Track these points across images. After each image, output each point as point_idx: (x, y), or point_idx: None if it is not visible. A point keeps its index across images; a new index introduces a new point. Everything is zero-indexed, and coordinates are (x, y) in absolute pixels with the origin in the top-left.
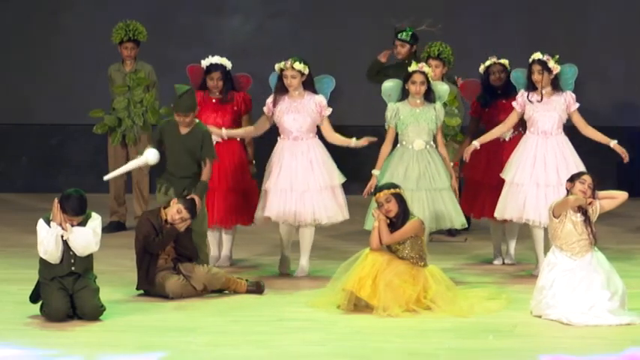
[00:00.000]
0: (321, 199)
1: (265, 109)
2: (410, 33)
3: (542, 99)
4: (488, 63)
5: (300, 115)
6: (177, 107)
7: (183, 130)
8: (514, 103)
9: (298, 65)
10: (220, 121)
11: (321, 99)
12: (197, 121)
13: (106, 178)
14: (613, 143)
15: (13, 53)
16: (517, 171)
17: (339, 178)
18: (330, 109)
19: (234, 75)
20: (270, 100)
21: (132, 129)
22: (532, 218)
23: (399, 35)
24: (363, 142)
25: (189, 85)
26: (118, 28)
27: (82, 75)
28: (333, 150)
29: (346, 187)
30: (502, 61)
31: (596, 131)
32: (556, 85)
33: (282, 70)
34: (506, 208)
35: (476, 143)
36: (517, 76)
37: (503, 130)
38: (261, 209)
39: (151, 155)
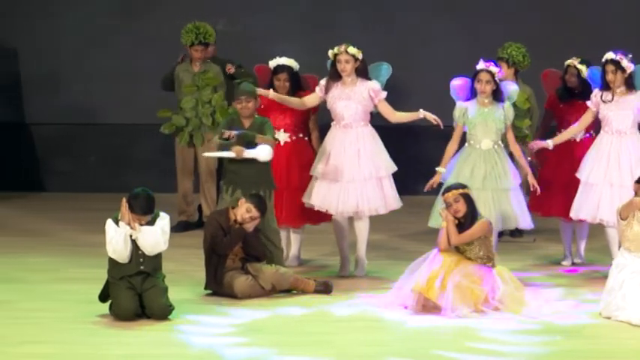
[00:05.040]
0: (365, 189)
1: (317, 88)
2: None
3: (612, 98)
4: (568, 62)
5: (351, 102)
6: (238, 92)
7: (246, 123)
8: (588, 103)
9: (352, 49)
10: (289, 121)
11: (373, 84)
12: (255, 115)
13: (205, 154)
14: None
15: (83, 54)
16: (591, 171)
17: (387, 169)
18: (385, 93)
19: (301, 75)
20: (323, 82)
21: (199, 129)
22: (606, 218)
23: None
24: (432, 118)
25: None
26: (187, 30)
27: (150, 74)
28: (402, 152)
29: (412, 188)
30: (578, 65)
31: None
32: (630, 85)
33: (335, 55)
34: (581, 208)
35: (550, 142)
36: (594, 73)
37: (577, 130)
38: (307, 196)
39: (263, 152)
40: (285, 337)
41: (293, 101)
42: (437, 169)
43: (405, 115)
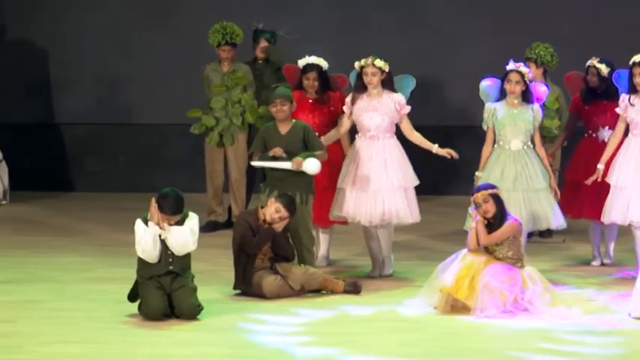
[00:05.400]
0: (393, 199)
1: (345, 107)
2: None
3: None
4: (588, 63)
5: (377, 113)
6: (274, 95)
7: (283, 129)
8: (617, 109)
9: (379, 62)
10: (317, 120)
11: (399, 97)
12: (294, 120)
13: (254, 163)
14: None
15: (113, 54)
16: (620, 174)
17: (412, 180)
18: (409, 108)
19: (330, 75)
20: (349, 98)
21: (229, 129)
22: (636, 219)
23: (264, 35)
24: (445, 153)
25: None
26: (214, 30)
27: (180, 75)
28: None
29: (444, 187)
30: (597, 64)
31: None
32: None
33: (362, 67)
34: (612, 211)
35: (600, 166)
36: (620, 76)
37: (616, 141)
38: (336, 208)
39: (311, 165)
40: (316, 338)
41: (334, 134)
42: (476, 173)
43: (422, 140)
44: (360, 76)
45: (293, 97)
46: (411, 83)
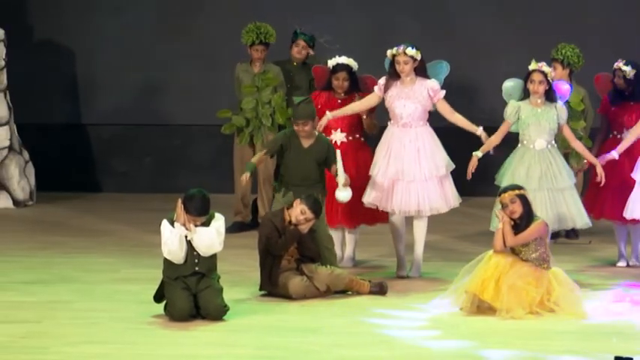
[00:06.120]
0: (426, 189)
1: (376, 87)
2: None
3: None
4: (614, 66)
5: (410, 101)
6: (296, 115)
7: (306, 143)
8: None
9: (410, 51)
10: (346, 121)
11: (433, 83)
12: (317, 132)
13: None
14: None
15: (139, 55)
16: None
17: (447, 168)
18: (444, 92)
19: (359, 76)
20: (382, 81)
21: (259, 129)
22: None
23: (303, 37)
24: (484, 139)
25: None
26: (248, 30)
27: (207, 75)
28: (458, 152)
29: (470, 188)
30: (623, 67)
31: None
32: None
33: (394, 56)
34: (635, 208)
35: (614, 153)
36: None
37: (636, 133)
38: (367, 196)
39: (346, 197)
40: (339, 338)
41: (354, 107)
42: (474, 153)
43: (464, 121)
44: (392, 63)
45: (315, 112)
46: (445, 69)
